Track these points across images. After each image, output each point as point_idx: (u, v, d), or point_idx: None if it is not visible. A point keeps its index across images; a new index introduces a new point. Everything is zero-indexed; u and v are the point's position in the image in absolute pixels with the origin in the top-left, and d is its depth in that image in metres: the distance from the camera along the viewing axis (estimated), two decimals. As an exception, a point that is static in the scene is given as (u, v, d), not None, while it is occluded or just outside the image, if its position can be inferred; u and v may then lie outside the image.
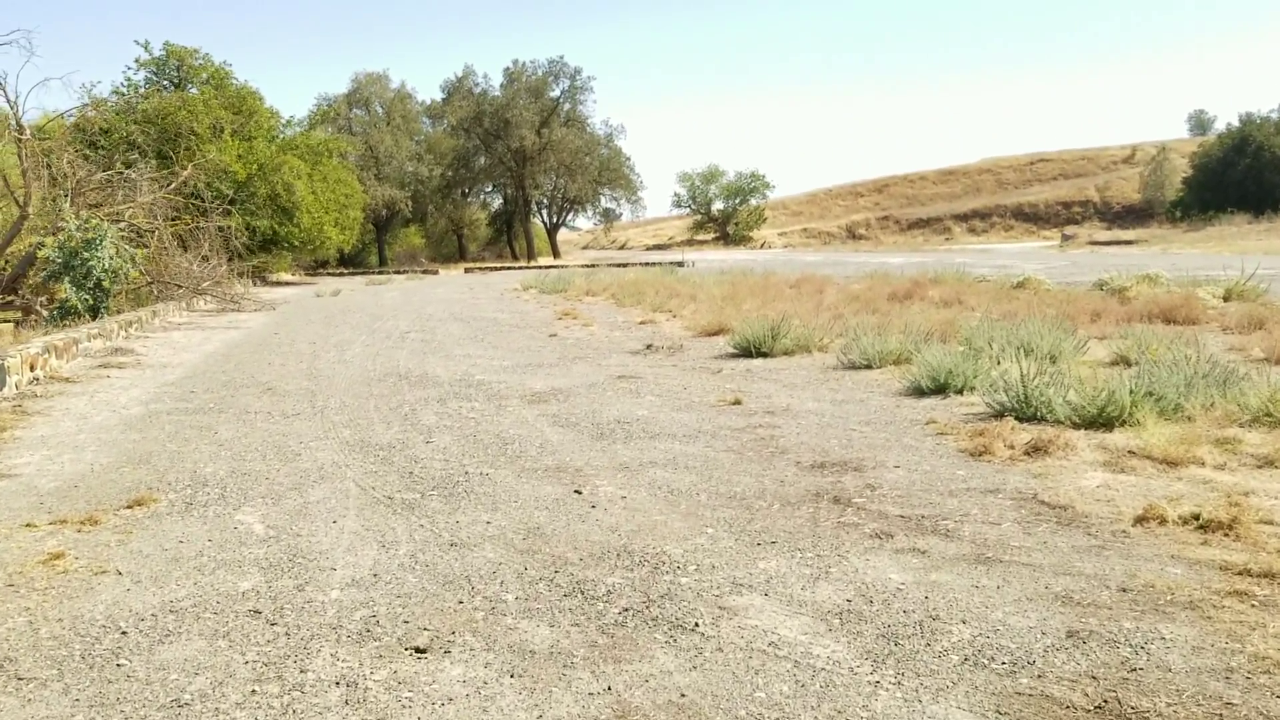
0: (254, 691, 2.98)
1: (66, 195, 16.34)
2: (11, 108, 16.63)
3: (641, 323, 14.65)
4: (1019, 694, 2.88)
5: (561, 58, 56.62)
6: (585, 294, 21.26)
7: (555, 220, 59.04)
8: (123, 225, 16.74)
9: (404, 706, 2.88)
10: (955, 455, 5.79)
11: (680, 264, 35.90)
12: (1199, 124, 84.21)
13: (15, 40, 16.65)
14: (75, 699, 2.96)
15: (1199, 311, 12.34)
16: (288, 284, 32.40)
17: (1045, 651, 3.15)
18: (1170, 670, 3.01)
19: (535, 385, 8.82)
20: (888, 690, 2.93)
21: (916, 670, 3.05)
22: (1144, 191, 64.44)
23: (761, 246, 64.54)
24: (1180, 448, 5.46)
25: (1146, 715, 2.75)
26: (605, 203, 58.47)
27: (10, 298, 15.58)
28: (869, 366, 9.23)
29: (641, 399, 8.01)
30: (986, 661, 3.10)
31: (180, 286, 19.05)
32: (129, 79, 31.49)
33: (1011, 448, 5.76)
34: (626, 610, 3.56)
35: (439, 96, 54.25)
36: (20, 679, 3.09)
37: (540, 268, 38.77)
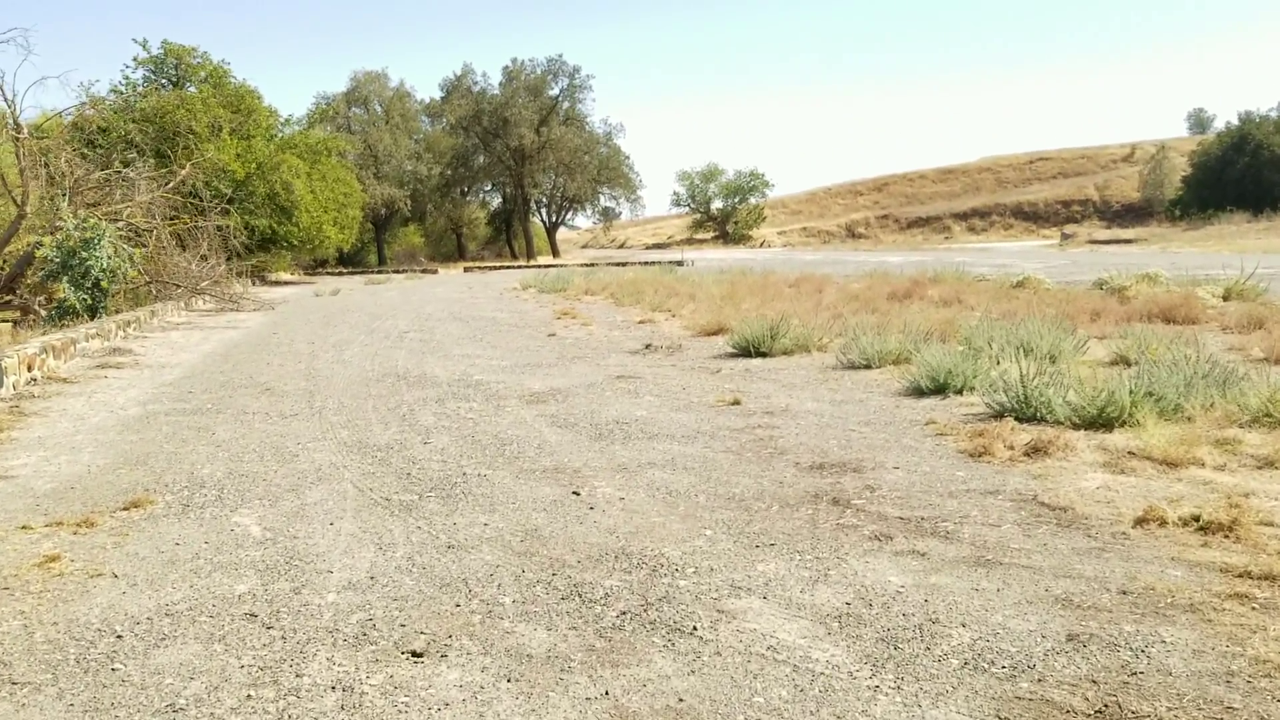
0: (249, 696, 2.96)
1: (64, 194, 16.30)
2: (9, 106, 16.64)
3: (640, 322, 14.63)
4: (1019, 698, 2.87)
5: (560, 56, 56.82)
6: (584, 293, 21.25)
7: (554, 219, 59.07)
8: (121, 224, 16.72)
9: (400, 712, 2.86)
10: (955, 456, 5.78)
11: (679, 263, 35.93)
12: (1198, 122, 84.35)
13: (12, 39, 16.70)
14: (70, 704, 2.95)
15: (1198, 311, 12.33)
16: (286, 283, 32.39)
17: (1045, 655, 3.13)
18: (1171, 674, 2.99)
19: (534, 385, 8.80)
20: (887, 695, 2.91)
21: (916, 674, 3.03)
22: (1143, 190, 64.53)
23: (761, 245, 64.57)
24: (1180, 448, 5.44)
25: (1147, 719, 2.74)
26: (604, 201, 58.58)
27: (8, 297, 15.56)
28: (868, 366, 9.22)
29: (640, 399, 7.99)
30: (986, 665, 3.08)
31: (179, 286, 19.03)
32: (127, 78, 31.46)
33: (1011, 448, 5.75)
34: (624, 613, 3.54)
35: (438, 95, 54.34)
36: (14, 683, 3.07)
37: (539, 267, 38.79)
